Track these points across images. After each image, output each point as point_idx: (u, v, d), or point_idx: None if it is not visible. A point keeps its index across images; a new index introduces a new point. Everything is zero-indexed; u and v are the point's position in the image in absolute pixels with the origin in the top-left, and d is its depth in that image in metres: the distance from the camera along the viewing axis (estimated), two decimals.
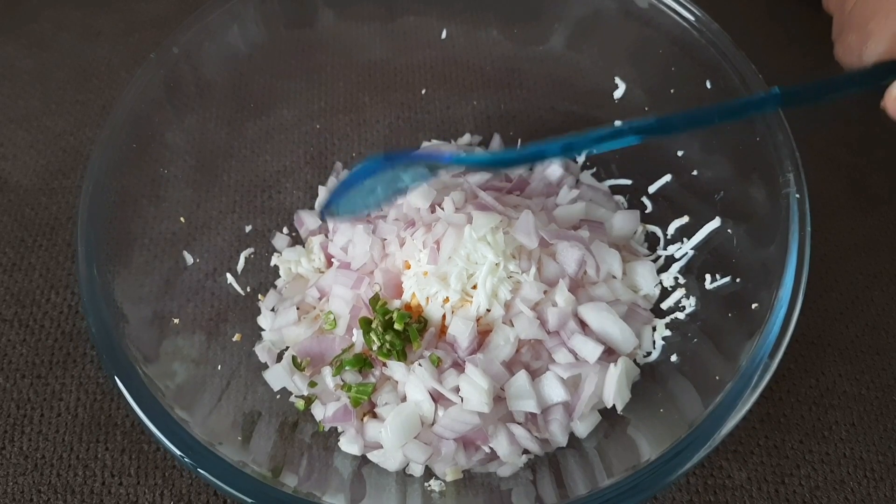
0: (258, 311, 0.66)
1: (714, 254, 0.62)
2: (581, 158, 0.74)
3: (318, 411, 0.60)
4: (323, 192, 0.73)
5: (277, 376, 0.61)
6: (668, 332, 0.62)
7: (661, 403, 0.56)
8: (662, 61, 0.65)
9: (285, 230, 0.72)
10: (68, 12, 0.90)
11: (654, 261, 0.66)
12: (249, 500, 0.46)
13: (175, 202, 0.65)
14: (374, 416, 0.59)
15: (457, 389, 0.56)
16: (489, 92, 0.78)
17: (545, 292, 0.60)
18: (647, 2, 0.64)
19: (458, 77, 0.79)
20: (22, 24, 0.88)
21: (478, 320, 0.59)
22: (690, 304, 0.62)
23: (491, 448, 0.56)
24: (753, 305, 0.53)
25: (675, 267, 0.64)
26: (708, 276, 0.61)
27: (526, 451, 0.57)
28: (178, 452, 0.47)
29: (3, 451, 0.60)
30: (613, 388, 0.57)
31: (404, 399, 0.58)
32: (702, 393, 0.52)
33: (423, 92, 0.78)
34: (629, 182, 0.71)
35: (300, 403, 0.61)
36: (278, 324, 0.64)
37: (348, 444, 0.58)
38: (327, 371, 0.61)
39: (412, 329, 0.58)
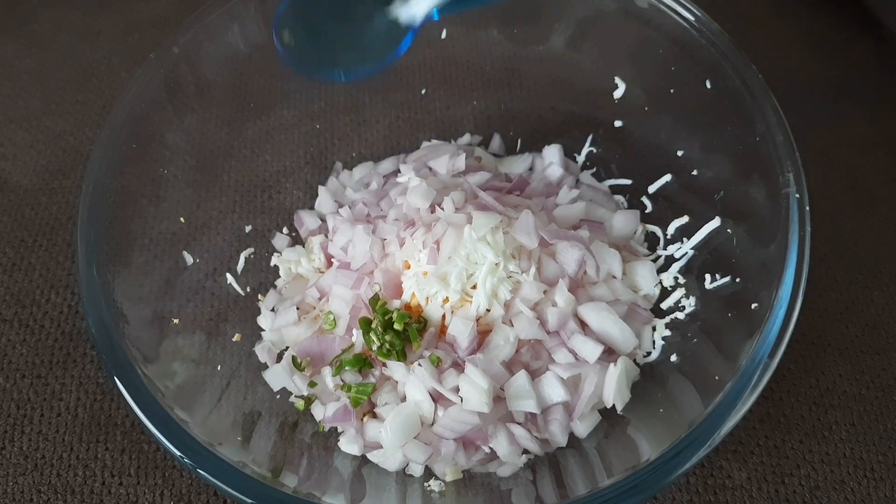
0: (258, 311, 0.66)
1: (714, 254, 0.62)
2: (581, 158, 0.74)
3: (318, 411, 0.60)
4: (323, 193, 0.73)
5: (277, 376, 0.61)
6: (667, 332, 0.62)
7: (661, 403, 0.56)
8: (662, 61, 0.65)
9: (285, 230, 0.72)
10: (68, 12, 0.90)
11: (654, 261, 0.66)
12: (249, 501, 0.46)
13: (175, 202, 0.65)
14: (374, 416, 0.59)
15: (457, 389, 0.56)
16: (489, 92, 0.78)
17: (545, 292, 0.60)
18: (647, 2, 0.64)
19: (458, 77, 0.79)
20: (22, 24, 0.88)
21: (478, 320, 0.59)
22: (690, 304, 0.62)
23: (491, 448, 0.56)
24: (753, 305, 0.53)
25: (675, 267, 0.64)
26: (708, 276, 0.61)
27: (526, 451, 0.57)
28: (178, 452, 0.47)
29: (3, 451, 0.60)
30: (613, 388, 0.57)
31: (404, 399, 0.58)
32: (702, 393, 0.52)
33: (423, 92, 0.78)
34: (629, 182, 0.71)
35: (300, 403, 0.61)
36: (278, 324, 0.64)
37: (348, 444, 0.58)
38: (327, 371, 0.61)
39: (412, 329, 0.58)
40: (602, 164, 0.73)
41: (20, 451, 0.60)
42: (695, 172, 0.65)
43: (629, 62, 0.70)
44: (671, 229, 0.67)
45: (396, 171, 0.74)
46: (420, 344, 0.58)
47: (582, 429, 0.58)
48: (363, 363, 0.59)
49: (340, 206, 0.72)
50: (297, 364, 0.61)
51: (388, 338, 0.58)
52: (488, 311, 0.59)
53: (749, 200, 0.58)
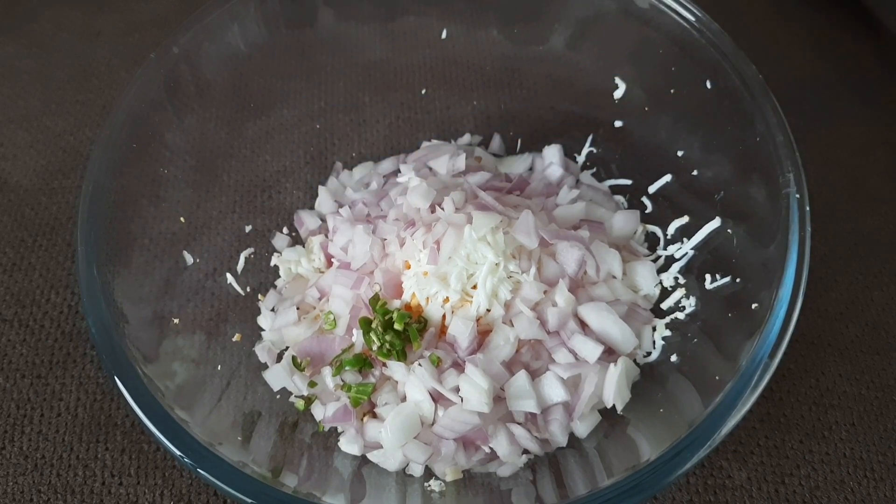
0: (258, 311, 0.66)
1: (714, 254, 0.62)
2: (581, 158, 0.74)
3: (318, 411, 0.60)
4: (323, 193, 0.73)
5: (277, 376, 0.61)
6: (668, 332, 0.62)
7: (661, 403, 0.56)
8: (662, 61, 0.65)
9: (285, 230, 0.72)
10: (68, 12, 0.90)
11: (654, 261, 0.66)
12: (249, 501, 0.46)
13: (175, 202, 0.65)
14: (374, 416, 0.59)
15: (457, 389, 0.56)
16: (489, 92, 0.78)
17: (545, 292, 0.60)
18: (647, 2, 0.64)
19: (458, 77, 0.79)
20: (22, 24, 0.88)
21: (478, 320, 0.59)
22: (690, 304, 0.62)
23: (491, 448, 0.56)
24: (753, 305, 0.53)
25: (675, 267, 0.64)
26: (708, 276, 0.61)
27: (526, 451, 0.57)
28: (178, 452, 0.47)
29: (3, 451, 0.60)
30: (613, 388, 0.57)
31: (404, 399, 0.58)
32: (702, 393, 0.52)
33: (423, 92, 0.78)
34: (629, 182, 0.71)
35: (300, 403, 0.61)
36: (278, 324, 0.64)
37: (348, 444, 0.58)
38: (327, 371, 0.61)
39: (412, 329, 0.58)
40: (602, 164, 0.73)
41: (20, 451, 0.60)
42: (695, 172, 0.65)
43: (629, 62, 0.70)
44: (671, 229, 0.66)
45: (396, 171, 0.74)
46: (420, 344, 0.58)
47: (582, 429, 0.58)
48: (363, 363, 0.59)
49: (340, 206, 0.72)
50: (297, 364, 0.61)
51: (388, 338, 0.58)
52: (488, 311, 0.59)
53: (749, 200, 0.58)
